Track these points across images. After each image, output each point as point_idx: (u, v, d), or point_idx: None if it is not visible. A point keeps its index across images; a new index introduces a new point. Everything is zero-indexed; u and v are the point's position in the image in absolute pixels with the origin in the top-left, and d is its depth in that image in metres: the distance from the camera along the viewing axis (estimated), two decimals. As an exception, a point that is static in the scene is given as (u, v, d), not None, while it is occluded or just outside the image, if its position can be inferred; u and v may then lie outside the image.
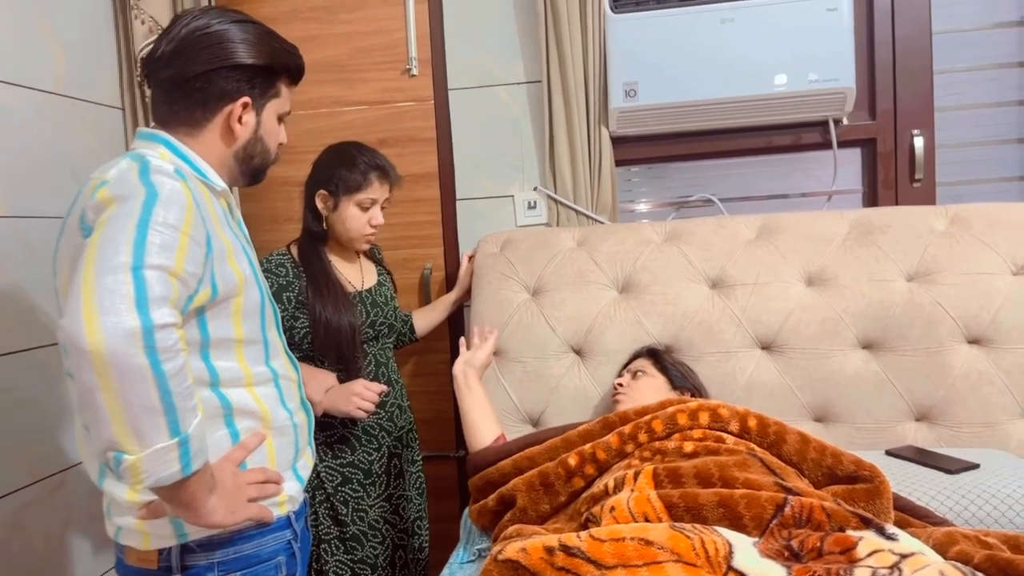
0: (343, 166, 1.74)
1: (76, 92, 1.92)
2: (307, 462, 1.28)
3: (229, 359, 1.13)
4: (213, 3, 2.11)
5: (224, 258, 1.09)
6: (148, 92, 1.99)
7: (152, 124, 1.20)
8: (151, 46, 1.16)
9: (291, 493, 1.20)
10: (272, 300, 1.26)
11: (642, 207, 2.24)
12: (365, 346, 1.81)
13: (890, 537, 0.97)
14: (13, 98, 1.71)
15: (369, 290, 1.85)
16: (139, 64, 2.03)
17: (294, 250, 1.80)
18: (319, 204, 1.76)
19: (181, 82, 1.13)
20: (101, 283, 0.88)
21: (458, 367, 1.63)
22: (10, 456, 1.63)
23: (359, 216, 1.75)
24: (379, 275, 1.93)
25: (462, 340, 1.71)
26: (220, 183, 1.17)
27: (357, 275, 1.86)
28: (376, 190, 1.76)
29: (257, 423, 1.16)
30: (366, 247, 1.85)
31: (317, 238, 1.79)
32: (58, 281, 1.11)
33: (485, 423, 1.58)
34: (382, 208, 1.80)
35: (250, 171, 1.24)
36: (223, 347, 1.12)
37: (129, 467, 0.89)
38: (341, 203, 1.74)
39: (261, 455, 1.16)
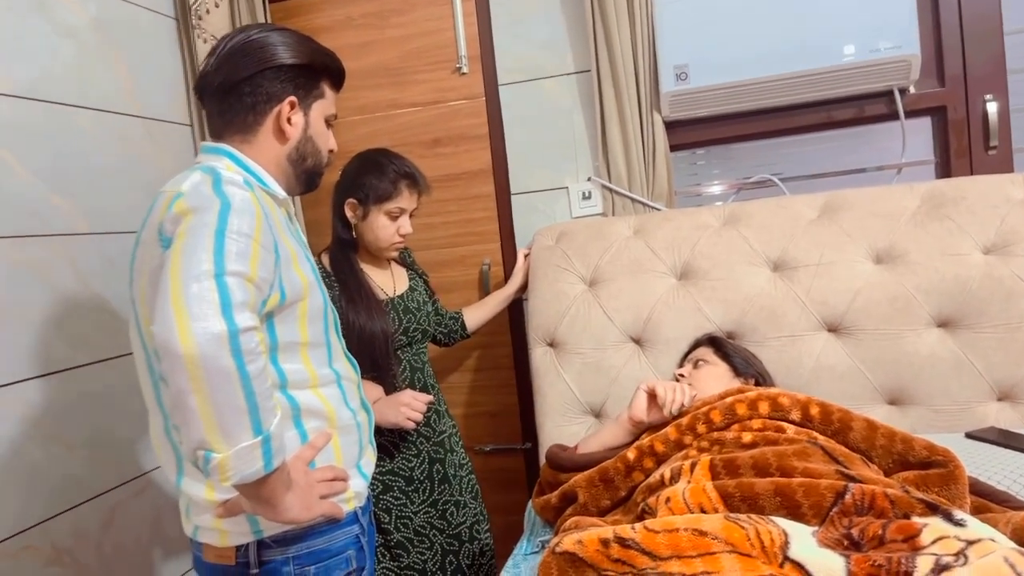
0: (372, 174, 1.73)
1: (145, 112, 2.01)
2: (370, 459, 1.32)
3: (295, 361, 1.17)
4: (269, 19, 2.18)
5: (290, 264, 1.14)
6: (203, 111, 2.07)
7: (208, 138, 1.25)
8: (201, 66, 1.22)
9: (357, 489, 1.25)
10: (333, 305, 1.29)
11: (715, 189, 2.18)
12: (399, 353, 1.79)
13: (958, 523, 0.93)
14: (88, 121, 1.81)
15: (401, 296, 1.83)
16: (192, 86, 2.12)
17: (324, 259, 1.79)
18: (348, 212, 1.75)
19: (230, 89, 1.18)
20: (188, 290, 0.93)
21: (640, 415, 1.46)
22: (101, 459, 1.74)
23: (388, 225, 1.74)
24: (410, 280, 1.91)
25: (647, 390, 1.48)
26: (281, 192, 1.22)
27: (388, 281, 1.84)
28: (405, 199, 1.74)
29: (323, 423, 1.20)
30: (394, 255, 1.83)
31: (348, 246, 1.79)
32: (135, 289, 1.17)
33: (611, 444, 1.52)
34: (410, 216, 1.78)
35: (304, 174, 1.27)
36: (290, 350, 1.16)
37: (217, 465, 0.94)
38: (371, 212, 1.73)
39: (328, 454, 1.20)
